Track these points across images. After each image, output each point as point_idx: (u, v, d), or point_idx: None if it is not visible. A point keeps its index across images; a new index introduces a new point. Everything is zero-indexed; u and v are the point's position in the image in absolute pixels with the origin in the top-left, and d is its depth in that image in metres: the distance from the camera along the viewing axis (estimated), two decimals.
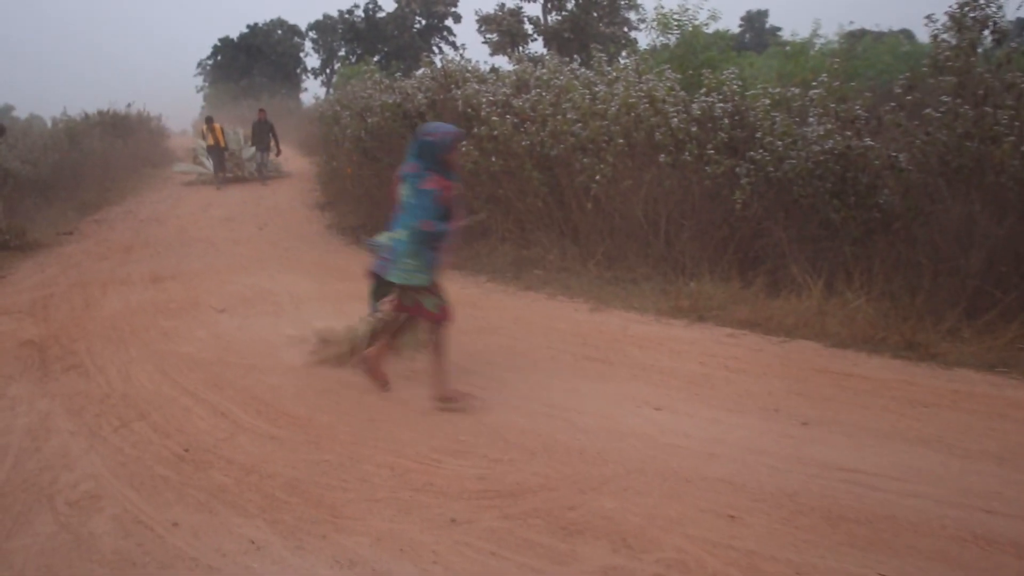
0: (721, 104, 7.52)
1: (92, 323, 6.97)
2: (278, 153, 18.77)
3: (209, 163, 19.06)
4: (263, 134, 18.31)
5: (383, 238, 4.69)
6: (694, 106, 7.66)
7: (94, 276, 9.10)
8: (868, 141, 6.55)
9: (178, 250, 10.79)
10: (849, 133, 6.62)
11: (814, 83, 7.18)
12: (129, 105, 27.27)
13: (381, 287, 4.82)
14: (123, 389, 5.26)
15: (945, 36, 6.23)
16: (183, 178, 20.12)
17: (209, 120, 18.67)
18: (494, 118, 8.74)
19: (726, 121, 7.45)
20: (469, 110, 9.31)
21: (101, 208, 15.79)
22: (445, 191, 4.54)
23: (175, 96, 60.48)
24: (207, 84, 51.14)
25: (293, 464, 4.03)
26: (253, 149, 19.12)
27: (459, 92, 9.50)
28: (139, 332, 6.62)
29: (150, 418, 4.74)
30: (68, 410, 4.93)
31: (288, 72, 49.29)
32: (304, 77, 50.57)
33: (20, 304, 7.85)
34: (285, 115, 31.26)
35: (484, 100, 9.08)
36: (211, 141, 18.06)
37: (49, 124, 24.37)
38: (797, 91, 7.41)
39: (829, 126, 6.73)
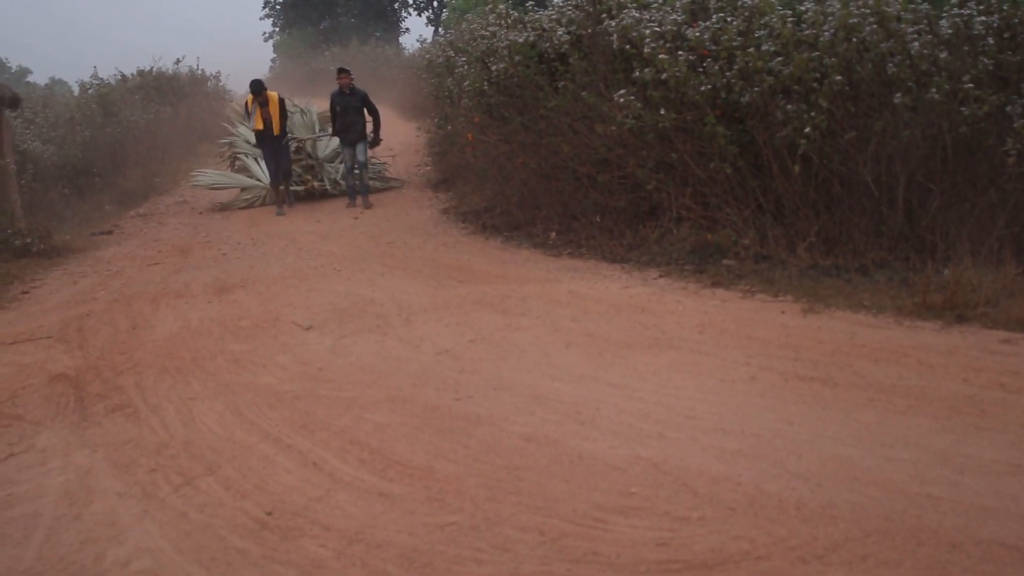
0: (983, 18, 7.26)
1: (141, 350, 7.25)
2: (376, 142, 14.61)
3: (261, 167, 15.37)
4: (351, 114, 14.10)
5: None
6: (943, 22, 7.42)
7: (142, 288, 9.55)
8: None
9: (249, 250, 11.22)
10: None
11: None
12: (178, 62, 28.57)
13: None
14: (184, 435, 5.41)
15: None
16: (207, 197, 16.27)
17: (257, 88, 14.17)
18: (662, 56, 8.69)
19: (991, 41, 7.18)
20: (627, 47, 9.30)
21: (147, 198, 16.52)
22: None
23: (237, 47, 62.77)
24: (277, 29, 53.01)
25: (410, 529, 4.09)
26: (334, 140, 15.34)
27: (613, 24, 9.51)
28: (202, 360, 6.87)
29: (221, 472, 4.86)
30: (115, 464, 5.07)
31: (383, 9, 50.44)
32: (404, 14, 51.65)
33: (48, 327, 8.24)
34: (381, 66, 31.94)
35: (648, 32, 9.02)
36: (258, 124, 14.11)
37: (76, 91, 25.26)
38: None
39: None
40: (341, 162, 15.22)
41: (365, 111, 14.19)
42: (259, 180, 15.39)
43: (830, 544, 3.65)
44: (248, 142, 15.92)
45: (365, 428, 5.27)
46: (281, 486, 4.64)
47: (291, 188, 14.81)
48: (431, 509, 4.25)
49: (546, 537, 3.91)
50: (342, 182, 15.14)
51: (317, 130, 16.23)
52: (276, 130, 14.10)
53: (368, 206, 13.99)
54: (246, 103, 14.52)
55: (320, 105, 17.39)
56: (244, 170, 16.02)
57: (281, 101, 14.35)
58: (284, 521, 4.26)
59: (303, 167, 15.45)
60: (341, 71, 14.58)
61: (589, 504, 4.15)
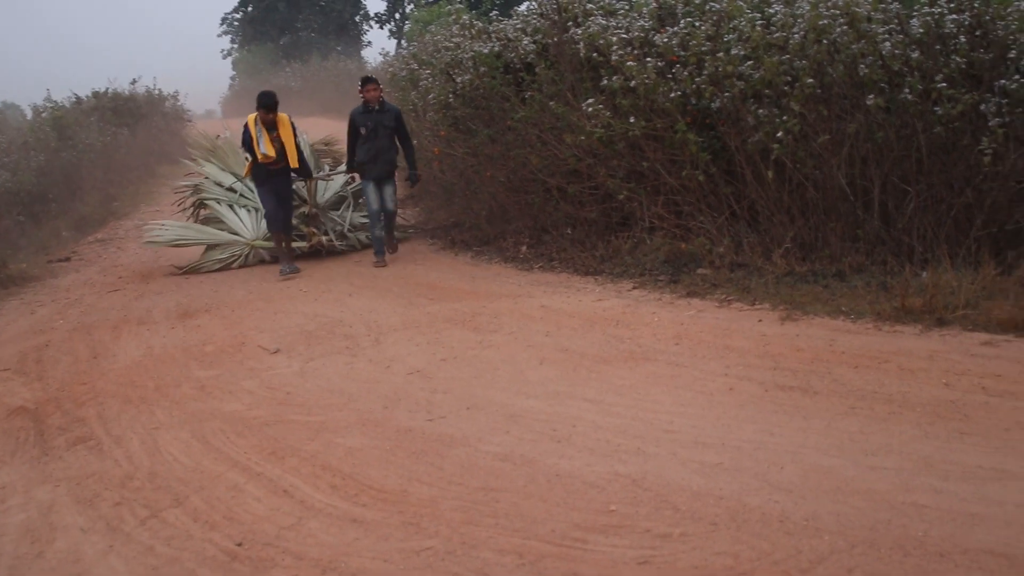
0: (954, 16, 7.32)
1: (103, 379, 7.17)
2: (416, 178, 11.42)
3: (240, 217, 11.92)
4: (382, 137, 10.75)
5: None
6: (913, 22, 7.48)
7: (102, 315, 9.44)
8: None
9: (212, 273, 11.14)
10: None
11: None
12: (134, 82, 28.14)
13: None
14: (150, 466, 5.35)
15: None
16: (165, 259, 12.46)
17: (269, 101, 10.67)
18: (630, 63, 8.72)
19: (962, 40, 7.23)
20: (595, 55, 9.33)
21: (106, 223, 16.34)
22: None
23: (195, 65, 62.62)
24: (236, 46, 52.94)
25: (385, 555, 4.06)
26: (334, 182, 12.47)
27: (579, 31, 9.54)
28: (167, 388, 6.80)
29: (188, 503, 4.81)
30: (78, 499, 5.01)
31: (344, 22, 50.54)
32: (365, 27, 51.75)
33: (6, 359, 8.13)
34: (343, 79, 31.94)
35: (615, 39, 9.08)
36: (269, 151, 10.63)
37: (29, 114, 25.20)
38: None
39: None
40: (347, 209, 12.33)
41: (397, 138, 10.95)
42: (238, 234, 11.83)
43: (815, 557, 3.65)
44: (213, 181, 12.51)
45: (336, 453, 5.23)
46: (251, 515, 4.59)
47: (291, 244, 11.30)
48: (406, 534, 4.22)
49: (525, 560, 3.89)
50: (349, 235, 12.01)
51: (314, 166, 12.23)
52: (293, 161, 10.83)
53: (394, 252, 11.28)
54: (245, 125, 10.83)
55: (311, 134, 14.34)
56: (215, 220, 12.22)
57: (293, 125, 10.97)
58: (255, 552, 4.22)
59: (300, 217, 11.86)
60: (367, 80, 11.05)
61: (568, 524, 4.14)
